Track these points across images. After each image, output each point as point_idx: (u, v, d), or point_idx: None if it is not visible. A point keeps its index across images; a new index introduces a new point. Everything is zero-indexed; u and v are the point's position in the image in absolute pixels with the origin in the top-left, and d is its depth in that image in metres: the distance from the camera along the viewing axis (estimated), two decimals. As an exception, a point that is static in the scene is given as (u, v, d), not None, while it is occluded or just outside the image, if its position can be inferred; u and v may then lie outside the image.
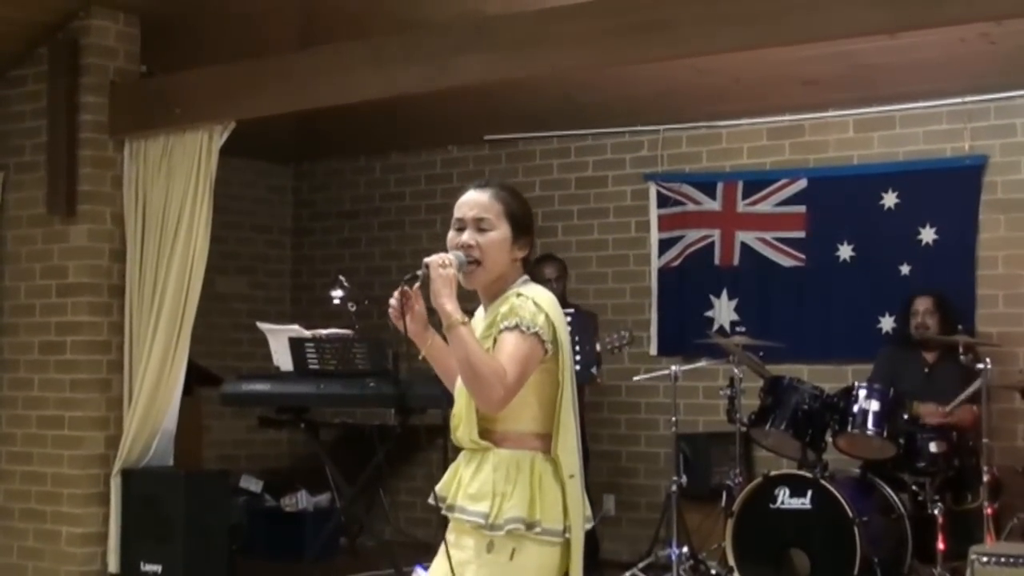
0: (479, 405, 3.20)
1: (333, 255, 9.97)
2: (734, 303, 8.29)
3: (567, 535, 3.22)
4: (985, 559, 5.92)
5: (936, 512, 6.59)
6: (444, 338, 3.22)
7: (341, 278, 7.44)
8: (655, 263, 8.56)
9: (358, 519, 8.55)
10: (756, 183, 8.26)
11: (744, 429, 7.15)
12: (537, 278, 3.44)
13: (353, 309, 7.27)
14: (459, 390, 3.28)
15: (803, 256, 8.11)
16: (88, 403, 7.13)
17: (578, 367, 6.78)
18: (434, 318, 3.27)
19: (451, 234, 3.33)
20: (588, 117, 8.51)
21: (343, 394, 7.12)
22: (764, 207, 8.21)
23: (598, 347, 7.38)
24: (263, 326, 7.56)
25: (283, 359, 7.25)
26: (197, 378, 8.07)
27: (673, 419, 7.25)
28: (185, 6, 7.09)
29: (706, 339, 7.68)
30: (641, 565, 7.34)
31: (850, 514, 6.43)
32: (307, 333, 7.26)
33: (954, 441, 6.82)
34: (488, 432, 3.25)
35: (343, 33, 6.68)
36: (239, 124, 6.93)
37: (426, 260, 3.20)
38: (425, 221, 9.48)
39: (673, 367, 7.29)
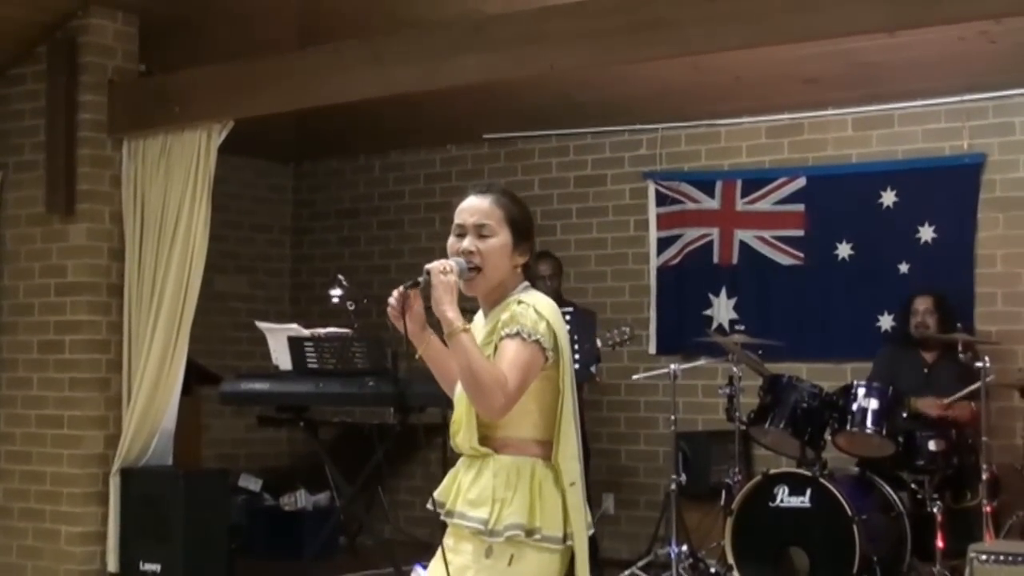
0: (480, 413, 3.19)
1: (332, 254, 9.97)
2: (733, 302, 8.30)
3: (568, 542, 3.21)
4: (984, 557, 5.92)
5: (935, 510, 6.59)
6: (443, 340, 3.22)
7: (340, 277, 7.44)
8: (654, 262, 8.56)
9: (357, 518, 8.55)
10: (755, 182, 8.26)
11: (743, 427, 7.15)
12: (532, 275, 3.44)
13: (352, 308, 7.26)
14: (459, 396, 3.27)
15: (802, 255, 8.11)
16: (87, 402, 7.14)
17: (577, 365, 6.80)
18: (431, 318, 3.26)
19: (451, 240, 3.32)
20: (587, 116, 8.51)
21: (342, 393, 7.11)
22: (763, 206, 8.21)
23: (599, 343, 7.38)
24: (262, 325, 7.56)
25: (282, 358, 7.24)
26: (196, 377, 8.07)
27: (672, 417, 7.25)
28: (184, 5, 7.09)
29: (705, 338, 7.68)
30: (640, 564, 7.34)
31: (849, 512, 6.43)
32: (306, 332, 7.25)
33: (953, 439, 6.82)
34: (488, 438, 3.24)
35: (342, 32, 6.68)
36: (238, 123, 6.93)
37: (427, 267, 3.19)
38: (424, 220, 9.48)
39: (672, 366, 7.29)
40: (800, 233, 8.12)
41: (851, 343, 7.83)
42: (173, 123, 7.01)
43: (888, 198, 7.85)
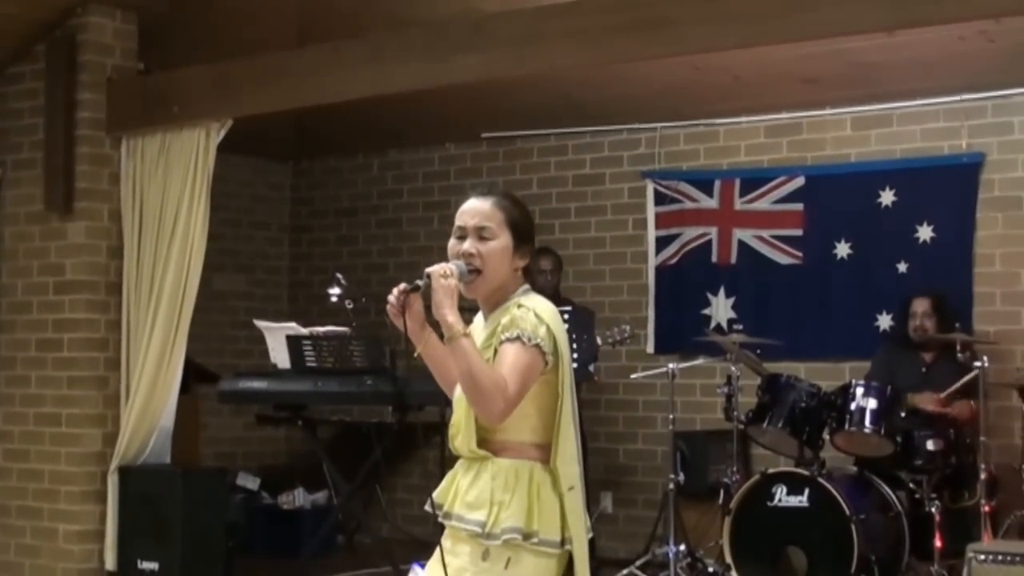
0: (480, 417, 3.19)
1: (331, 252, 9.96)
2: (731, 301, 8.29)
3: (566, 546, 3.21)
4: (982, 557, 5.92)
5: (933, 510, 6.59)
6: (443, 338, 3.21)
7: (339, 275, 7.43)
8: (652, 261, 8.56)
9: (355, 516, 8.55)
10: (753, 181, 8.26)
11: (741, 427, 7.15)
12: (532, 270, 3.43)
13: (351, 307, 7.25)
14: (458, 400, 3.27)
15: (800, 254, 8.11)
16: (85, 400, 7.13)
17: (575, 364, 6.81)
18: (431, 318, 3.26)
19: (452, 242, 3.31)
20: (586, 115, 8.51)
21: (340, 391, 7.11)
22: (761, 205, 8.21)
23: (598, 342, 7.38)
24: (260, 324, 7.55)
25: (280, 357, 7.24)
26: (194, 375, 8.07)
27: (670, 417, 7.25)
28: (183, 4, 7.10)
29: (703, 337, 7.68)
30: (638, 563, 7.34)
31: (847, 512, 6.43)
32: (304, 331, 7.25)
33: (951, 439, 6.82)
34: (487, 441, 3.24)
35: (340, 31, 6.68)
36: (237, 121, 6.92)
37: (427, 270, 3.18)
38: (423, 218, 9.48)
39: (670, 365, 7.29)
40: (799, 232, 8.12)
41: (849, 342, 7.83)
42: (172, 121, 7.01)
43: (887, 197, 7.84)
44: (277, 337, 7.28)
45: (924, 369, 7.24)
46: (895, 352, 7.36)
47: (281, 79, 6.69)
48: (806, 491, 6.62)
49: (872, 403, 6.76)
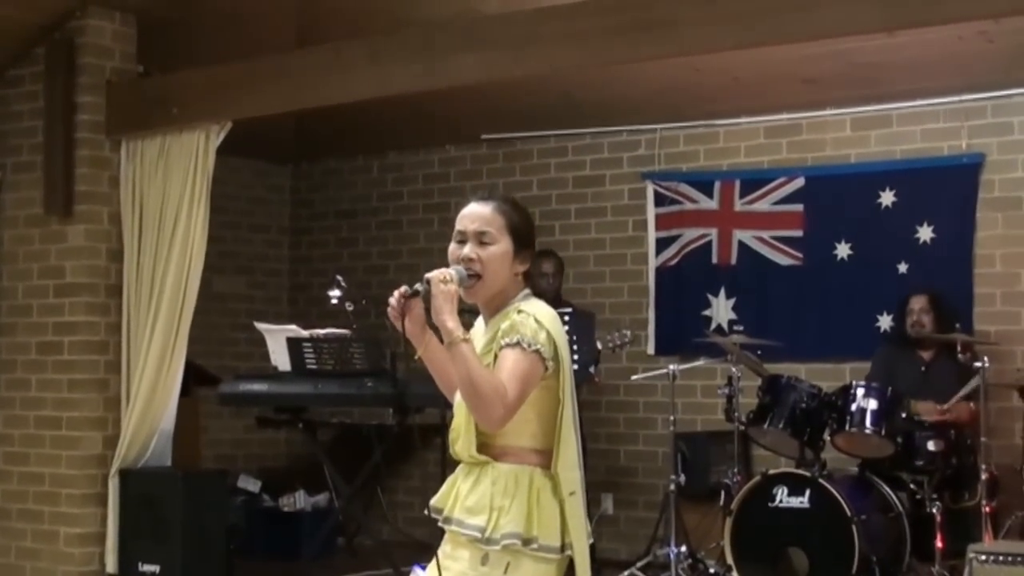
0: (479, 423, 3.19)
1: (331, 255, 9.96)
2: (732, 302, 8.29)
3: (566, 552, 3.21)
4: (983, 557, 5.92)
5: (934, 510, 6.59)
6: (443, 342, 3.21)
7: (339, 278, 7.43)
8: (652, 262, 8.55)
9: (356, 519, 8.55)
10: (753, 182, 8.25)
11: (742, 428, 7.14)
12: (533, 272, 3.43)
13: (351, 309, 7.26)
14: (458, 404, 3.27)
15: (801, 255, 8.10)
16: (86, 403, 7.13)
17: (576, 366, 6.80)
18: (431, 320, 3.25)
19: (452, 247, 3.31)
20: (585, 116, 8.51)
21: (341, 394, 7.11)
22: (761, 206, 8.21)
23: (598, 345, 7.38)
24: (261, 326, 7.55)
25: (281, 359, 7.24)
26: (195, 378, 8.07)
27: (671, 418, 7.25)
28: (182, 6, 7.09)
29: (704, 338, 7.68)
30: (639, 564, 7.34)
31: (848, 513, 6.42)
32: (305, 333, 7.25)
33: (952, 439, 6.82)
34: (487, 447, 3.24)
35: (340, 32, 6.68)
36: (236, 124, 6.92)
37: (427, 276, 3.19)
38: (423, 220, 9.47)
39: (671, 366, 7.29)
40: (799, 233, 8.11)
41: (850, 343, 7.82)
42: (171, 124, 7.01)
43: (887, 198, 7.84)
44: (277, 339, 7.28)
45: (923, 368, 7.23)
46: (894, 352, 7.35)
47: (281, 81, 6.69)
48: (807, 492, 6.62)
49: (873, 404, 6.76)
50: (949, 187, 7.68)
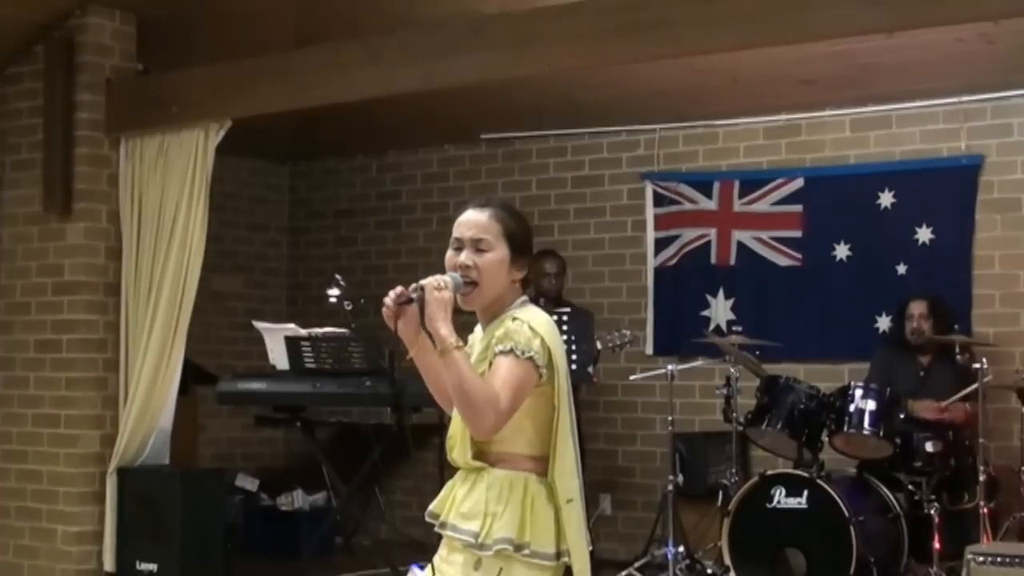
0: (471, 431, 3.19)
1: (330, 254, 9.96)
2: (730, 302, 8.29)
3: (562, 559, 3.20)
4: (981, 559, 5.91)
5: (932, 512, 6.59)
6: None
7: (337, 277, 7.42)
8: (651, 262, 8.55)
9: (354, 518, 8.55)
10: (753, 182, 8.26)
11: (740, 428, 7.15)
12: (536, 272, 3.43)
13: (349, 308, 7.24)
14: (456, 412, 3.28)
15: (799, 255, 8.11)
16: (84, 401, 7.13)
17: (575, 366, 6.82)
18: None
19: (449, 254, 3.30)
20: (585, 116, 8.51)
21: (339, 393, 7.11)
22: (761, 206, 8.21)
23: (598, 345, 7.37)
24: (259, 325, 7.55)
25: (279, 358, 7.24)
26: (193, 377, 8.07)
27: (669, 418, 7.24)
28: (181, 5, 7.09)
29: (702, 338, 7.68)
30: (637, 564, 7.34)
31: (846, 514, 6.43)
32: (303, 332, 7.25)
33: (950, 441, 6.82)
34: (484, 453, 3.24)
35: (339, 32, 6.68)
36: (235, 123, 6.92)
37: (422, 283, 3.18)
38: (422, 220, 9.47)
39: (669, 366, 7.28)
40: (798, 234, 8.12)
41: (849, 344, 7.83)
42: (170, 123, 7.00)
43: (886, 199, 7.84)
44: (276, 338, 7.28)
45: (922, 372, 7.24)
46: (893, 355, 7.35)
47: (280, 80, 6.68)
48: (805, 493, 6.62)
49: (871, 405, 6.76)
50: (948, 188, 7.68)
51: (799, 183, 8.12)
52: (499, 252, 3.27)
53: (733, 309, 8.26)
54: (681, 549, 7.10)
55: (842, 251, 7.97)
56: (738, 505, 6.77)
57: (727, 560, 6.75)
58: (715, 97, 7.93)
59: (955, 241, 7.63)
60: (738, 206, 8.28)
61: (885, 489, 6.78)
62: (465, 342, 3.26)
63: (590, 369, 7.29)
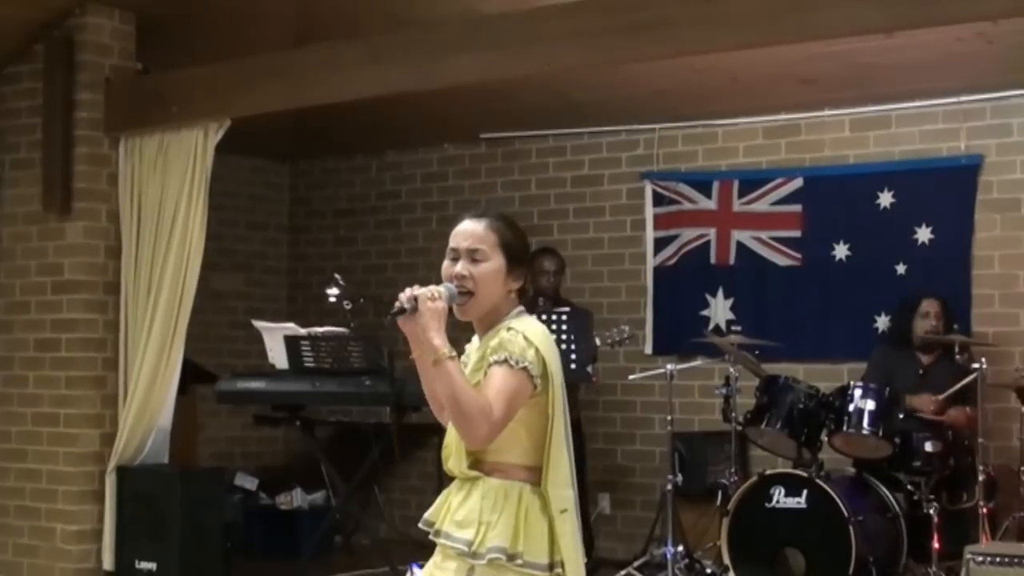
0: (464, 441, 3.19)
1: (329, 253, 9.96)
2: (730, 302, 8.29)
3: (555, 570, 3.20)
4: (980, 559, 5.91)
5: (931, 512, 6.59)
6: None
7: (337, 276, 7.42)
8: (651, 262, 8.55)
9: (353, 517, 8.55)
10: (752, 182, 8.26)
11: (740, 428, 7.15)
12: (535, 269, 3.43)
13: (349, 307, 7.24)
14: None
15: (799, 255, 8.11)
16: (83, 400, 7.13)
17: (574, 366, 6.83)
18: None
19: (445, 264, 3.30)
20: (584, 115, 8.51)
21: (339, 392, 7.11)
22: (760, 206, 8.21)
23: (597, 342, 7.37)
24: (259, 324, 7.55)
25: (279, 357, 7.24)
26: (193, 376, 8.06)
27: (668, 418, 7.24)
28: (181, 4, 7.09)
29: (702, 338, 7.68)
30: (636, 564, 7.33)
31: (845, 513, 6.43)
32: (303, 331, 7.25)
33: (950, 440, 6.82)
34: (479, 462, 3.25)
35: (339, 31, 6.68)
36: (235, 122, 6.92)
37: (415, 293, 3.17)
38: (421, 219, 9.47)
39: (668, 366, 7.28)
40: (797, 234, 8.12)
41: (848, 344, 7.83)
42: (170, 122, 7.00)
43: (885, 199, 7.84)
44: (275, 337, 7.28)
45: (922, 371, 7.23)
46: (892, 354, 7.34)
47: (279, 79, 6.68)
48: (804, 492, 6.62)
49: (870, 405, 6.76)
50: (948, 188, 7.68)
51: (798, 183, 8.12)
52: (495, 262, 3.28)
53: (732, 309, 8.26)
54: (680, 548, 7.09)
55: (841, 251, 7.97)
56: (737, 505, 6.78)
57: (726, 559, 6.76)
58: (715, 97, 7.93)
59: (954, 241, 7.64)
60: (737, 206, 8.28)
61: (884, 489, 6.78)
62: (461, 352, 3.26)
63: (589, 368, 7.29)
